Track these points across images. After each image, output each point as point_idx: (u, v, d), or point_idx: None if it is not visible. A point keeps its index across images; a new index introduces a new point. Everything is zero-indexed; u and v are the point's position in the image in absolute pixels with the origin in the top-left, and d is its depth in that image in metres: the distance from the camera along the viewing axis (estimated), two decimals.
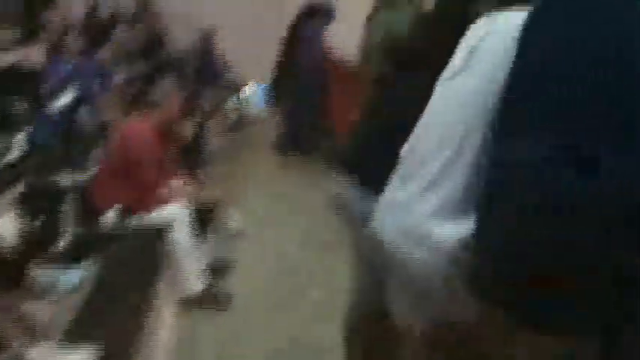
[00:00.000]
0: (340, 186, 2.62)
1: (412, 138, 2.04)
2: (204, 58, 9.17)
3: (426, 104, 2.07)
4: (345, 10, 7.75)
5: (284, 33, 8.18)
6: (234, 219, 5.32)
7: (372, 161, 2.43)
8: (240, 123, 9.02)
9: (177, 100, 4.55)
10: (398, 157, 2.15)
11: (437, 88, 2.00)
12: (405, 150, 2.05)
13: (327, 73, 7.66)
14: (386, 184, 2.19)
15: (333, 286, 4.44)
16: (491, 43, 1.82)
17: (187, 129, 4.79)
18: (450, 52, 2.18)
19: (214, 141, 7.21)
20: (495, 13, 1.96)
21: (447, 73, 1.98)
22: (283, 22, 8.20)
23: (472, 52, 1.87)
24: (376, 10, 3.92)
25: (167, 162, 4.47)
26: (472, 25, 2.01)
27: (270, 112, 9.08)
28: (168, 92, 4.58)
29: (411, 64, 2.52)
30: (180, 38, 9.02)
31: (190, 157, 5.30)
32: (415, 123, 2.07)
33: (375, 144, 2.50)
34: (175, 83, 4.81)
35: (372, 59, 3.93)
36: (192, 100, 6.39)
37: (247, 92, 9.81)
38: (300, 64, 7.85)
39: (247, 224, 5.42)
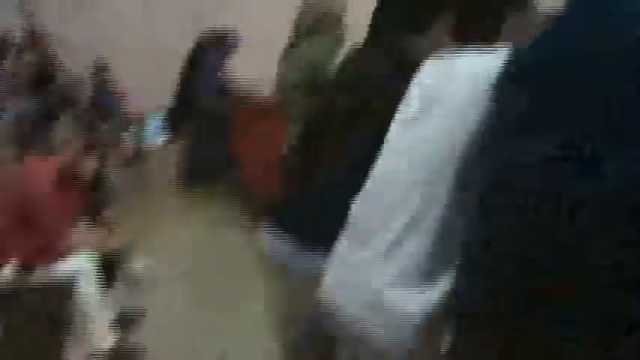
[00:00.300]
0: (271, 238, 2.39)
1: (365, 193, 1.86)
2: (99, 89, 8.79)
3: (372, 150, 1.91)
4: (251, 38, 7.60)
5: (183, 61, 7.94)
6: (141, 264, 5.01)
7: (310, 214, 2.23)
8: (140, 156, 8.68)
9: (76, 138, 4.25)
10: (340, 210, 1.96)
11: (391, 134, 1.83)
12: (356, 206, 1.87)
13: (230, 104, 7.43)
14: (326, 239, 1.99)
15: (250, 333, 4.21)
16: (454, 85, 1.67)
17: (88, 168, 4.47)
18: (385, 92, 2.02)
19: (115, 178, 6.87)
20: (446, 53, 1.81)
21: (401, 117, 1.82)
22: (182, 49, 7.96)
23: (431, 95, 1.72)
24: (295, 41, 3.73)
25: (69, 207, 4.15)
26: (422, 67, 1.86)
27: (170, 144, 8.78)
28: (66, 129, 4.27)
29: (345, 103, 2.33)
30: (73, 68, 8.59)
31: (92, 198, 4.96)
32: (363, 171, 1.90)
33: (311, 194, 2.29)
34: (72, 119, 4.51)
35: (290, 94, 3.74)
36: (91, 136, 6.06)
37: (145, 123, 9.50)
38: (201, 93, 7.59)
39: (156, 269, 5.12)
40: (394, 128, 1.84)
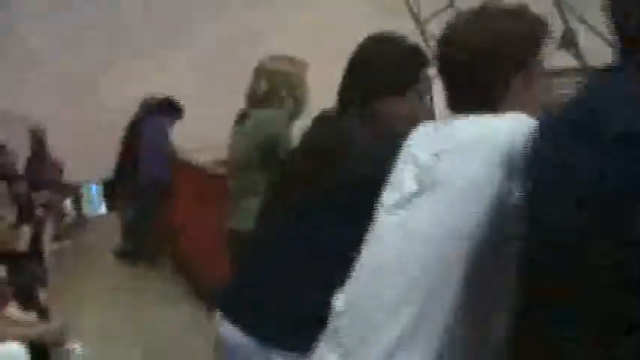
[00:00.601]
0: (224, 331, 2.08)
1: (353, 287, 1.58)
2: (35, 158, 8.47)
3: (344, 230, 1.68)
4: (196, 105, 7.43)
5: (124, 129, 7.70)
6: (79, 349, 4.64)
7: (267, 305, 1.95)
8: (78, 227, 8.33)
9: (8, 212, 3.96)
10: (298, 301, 1.77)
11: (381, 218, 1.58)
12: (342, 304, 1.59)
13: (172, 173, 7.16)
14: (285, 334, 1.79)
15: None
16: (461, 162, 1.43)
17: (22, 241, 4.17)
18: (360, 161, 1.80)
19: (51, 250, 6.49)
20: (442, 122, 1.58)
21: (391, 198, 1.56)
22: (123, 117, 7.75)
23: (431, 175, 1.47)
24: (248, 110, 3.47)
25: None
26: (412, 138, 1.62)
27: (109, 214, 8.46)
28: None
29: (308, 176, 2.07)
30: (6, 137, 8.21)
31: (26, 274, 4.62)
32: (339, 257, 1.64)
33: (271, 282, 2.00)
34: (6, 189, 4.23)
35: (242, 167, 3.47)
36: (26, 207, 5.74)
37: (84, 193, 9.19)
38: (142, 162, 7.30)
39: (94, 353, 4.75)
40: (383, 215, 1.57)
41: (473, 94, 1.53)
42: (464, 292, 1.36)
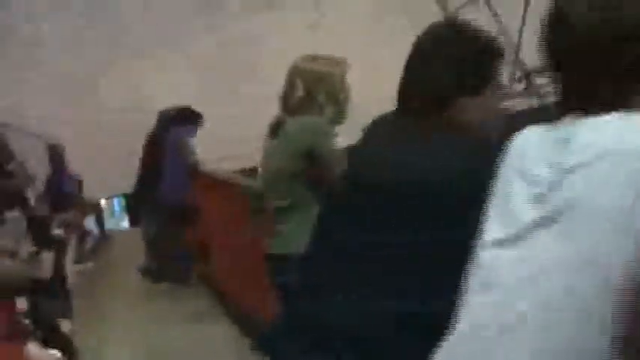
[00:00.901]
0: None
1: (455, 355, 1.20)
2: (54, 175, 8.22)
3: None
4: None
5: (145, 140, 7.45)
6: None
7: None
8: (101, 245, 8.08)
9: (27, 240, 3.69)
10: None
11: (486, 256, 1.21)
12: None
13: (194, 184, 6.87)
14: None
15: None
16: (594, 177, 1.08)
17: (43, 269, 3.89)
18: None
19: (74, 273, 6.22)
20: (556, 125, 1.20)
21: (499, 229, 1.19)
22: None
23: (552, 193, 1.11)
24: (281, 119, 3.11)
25: (17, 321, 3.61)
26: (514, 148, 1.26)
27: (132, 230, 8.22)
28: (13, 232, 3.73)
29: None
30: (24, 155, 7.98)
31: (47, 305, 4.32)
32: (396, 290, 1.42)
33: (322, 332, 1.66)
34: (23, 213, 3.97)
35: (276, 182, 3.12)
36: (45, 232, 5.47)
37: (105, 208, 8.98)
38: (163, 178, 7.00)
39: None
40: (489, 252, 1.20)
41: (602, 87, 1.17)
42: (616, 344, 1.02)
